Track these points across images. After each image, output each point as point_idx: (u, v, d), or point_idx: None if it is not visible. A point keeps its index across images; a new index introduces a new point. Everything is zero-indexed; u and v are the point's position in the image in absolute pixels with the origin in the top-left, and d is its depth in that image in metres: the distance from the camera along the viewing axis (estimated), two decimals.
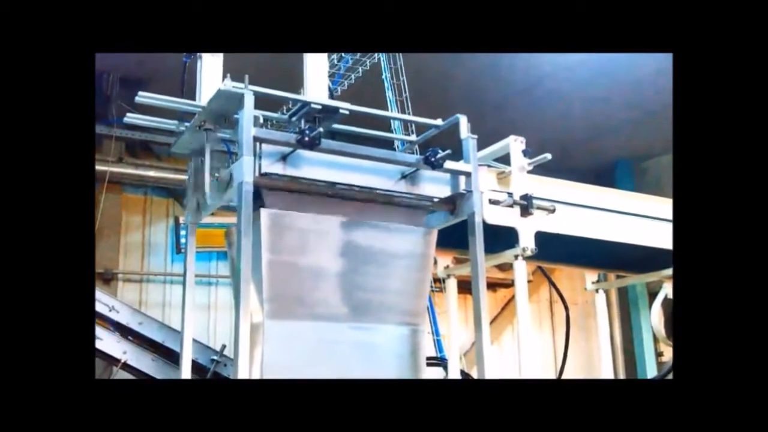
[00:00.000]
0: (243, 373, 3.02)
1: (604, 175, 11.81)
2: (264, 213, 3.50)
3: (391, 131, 6.28)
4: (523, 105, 10.00)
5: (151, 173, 9.68)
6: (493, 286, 11.53)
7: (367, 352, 3.71)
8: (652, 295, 10.09)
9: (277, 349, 3.43)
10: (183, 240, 9.39)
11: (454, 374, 4.74)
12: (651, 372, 11.55)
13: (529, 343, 4.15)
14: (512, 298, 11.28)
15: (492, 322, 10.86)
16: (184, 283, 4.00)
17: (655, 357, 11.90)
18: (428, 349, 6.41)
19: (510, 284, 10.67)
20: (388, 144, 4.98)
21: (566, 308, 6.13)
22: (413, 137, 4.44)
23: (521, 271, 4.21)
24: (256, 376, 3.39)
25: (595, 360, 10.55)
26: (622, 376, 11.71)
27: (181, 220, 9.76)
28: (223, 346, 7.50)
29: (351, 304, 3.72)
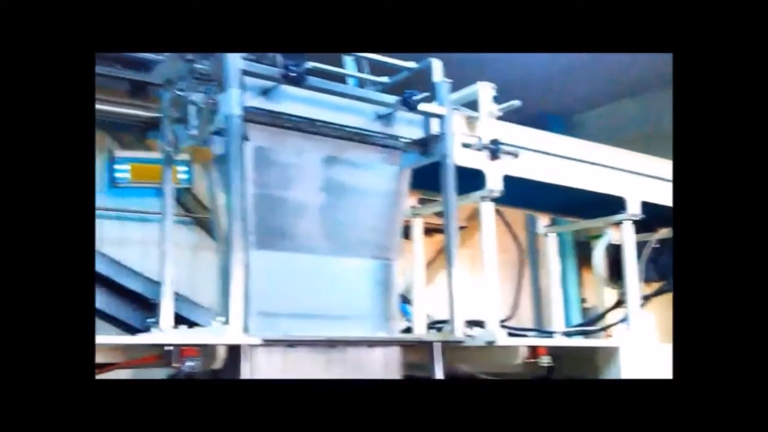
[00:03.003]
0: (236, 305, 3.09)
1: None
2: (248, 147, 3.50)
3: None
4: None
5: None
6: (429, 231, 11.69)
7: (343, 284, 3.82)
8: (580, 244, 10.57)
9: (262, 280, 3.47)
10: (119, 175, 9.16)
11: (420, 316, 4.86)
12: (576, 317, 12.06)
13: (494, 284, 4.31)
14: None
15: (429, 265, 11.07)
16: (162, 222, 3.93)
17: (579, 303, 12.43)
18: None
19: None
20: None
21: (520, 252, 6.35)
22: (385, 79, 4.46)
23: (489, 212, 4.36)
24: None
25: (527, 306, 10.98)
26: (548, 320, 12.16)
27: (117, 154, 9.46)
28: None
29: (328, 237, 3.80)
